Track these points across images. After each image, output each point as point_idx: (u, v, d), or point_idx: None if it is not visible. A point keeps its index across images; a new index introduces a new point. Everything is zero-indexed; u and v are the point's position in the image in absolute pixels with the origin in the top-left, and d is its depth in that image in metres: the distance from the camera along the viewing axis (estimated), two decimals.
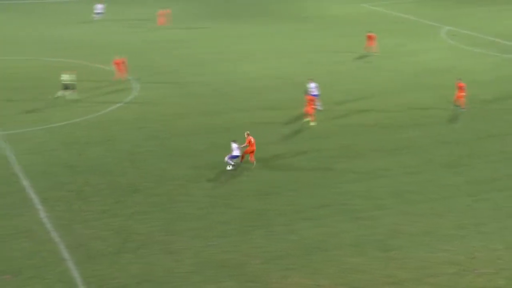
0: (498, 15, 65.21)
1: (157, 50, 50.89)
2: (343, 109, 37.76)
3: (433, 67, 46.83)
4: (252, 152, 29.71)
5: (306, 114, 35.56)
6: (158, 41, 54.02)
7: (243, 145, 29.54)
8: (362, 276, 21.52)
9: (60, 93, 38.05)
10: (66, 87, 38.13)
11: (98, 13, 61.93)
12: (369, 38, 50.06)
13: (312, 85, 37.45)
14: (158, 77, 43.34)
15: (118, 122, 35.37)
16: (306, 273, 21.63)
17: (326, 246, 23.28)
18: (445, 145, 32.69)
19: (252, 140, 29.68)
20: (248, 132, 30.17)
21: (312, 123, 35.16)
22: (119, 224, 24.58)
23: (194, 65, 46.90)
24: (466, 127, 35.26)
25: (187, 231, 24.17)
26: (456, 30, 58.79)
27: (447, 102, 38.72)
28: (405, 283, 21.16)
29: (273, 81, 43.15)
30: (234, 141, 29.47)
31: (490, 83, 39.38)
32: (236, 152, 29.29)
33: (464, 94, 37.28)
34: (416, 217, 25.43)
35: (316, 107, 36.11)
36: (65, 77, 38.17)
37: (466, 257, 22.52)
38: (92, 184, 27.78)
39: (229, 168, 29.20)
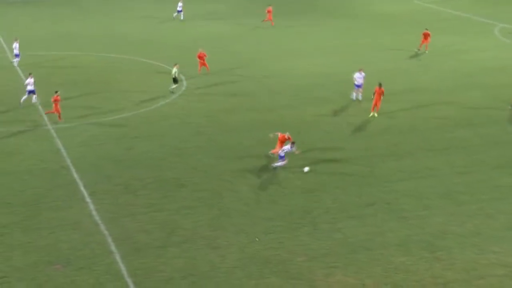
0: None
1: (208, 46, 51.14)
2: (392, 107, 37.24)
3: (487, 66, 45.75)
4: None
5: (374, 107, 35.60)
6: (208, 38, 54.32)
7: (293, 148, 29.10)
8: (407, 276, 21.23)
9: (173, 86, 39.69)
10: (175, 80, 39.60)
11: (179, 11, 61.57)
12: (424, 35, 49.09)
13: (359, 74, 37.81)
14: (207, 73, 43.61)
15: (167, 117, 35.80)
16: (351, 272, 21.48)
17: (371, 245, 23.05)
18: (498, 146, 31.91)
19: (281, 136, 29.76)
20: (277, 133, 30.06)
21: (375, 115, 35.52)
22: (165, 218, 24.88)
23: (244, 62, 47.04)
24: None
25: (232, 226, 24.30)
26: (511, 27, 57.27)
27: (500, 102, 37.80)
28: (453, 284, 20.79)
29: (321, 79, 42.89)
30: (292, 144, 29.03)
31: None
32: (282, 153, 28.93)
33: None
34: (465, 217, 24.93)
35: (357, 97, 37.55)
36: (175, 71, 39.69)
37: None
38: (139, 178, 28.19)
39: (275, 165, 29.11)
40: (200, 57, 43.51)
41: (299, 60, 47.51)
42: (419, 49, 49.12)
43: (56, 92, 34.86)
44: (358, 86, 37.97)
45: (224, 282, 21.06)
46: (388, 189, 27.30)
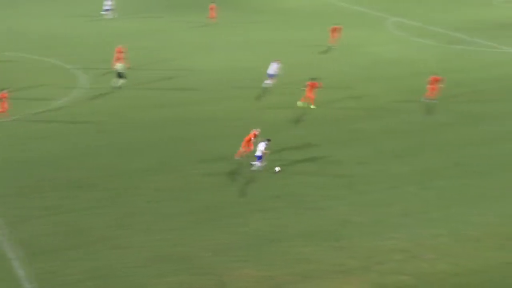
0: (443, 5, 66.52)
1: (114, 43, 50.04)
2: (296, 101, 37.96)
3: (383, 58, 47.30)
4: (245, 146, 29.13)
5: (306, 99, 36.21)
6: (115, 33, 53.17)
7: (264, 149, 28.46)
8: (312, 266, 21.74)
9: (114, 81, 39.32)
10: (119, 75, 39.28)
11: (106, 10, 59.40)
12: (333, 30, 50.12)
13: (274, 64, 39.47)
14: (97, 71, 42.48)
15: (68, 116, 34.77)
16: (257, 264, 21.75)
17: (277, 237, 23.42)
18: (395, 136, 33.20)
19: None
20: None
21: (312, 107, 36.26)
22: (66, 220, 24.23)
23: (149, 57, 46.24)
24: (416, 118, 35.83)
25: (136, 225, 24.00)
26: (403, 21, 59.53)
27: (397, 93, 39.34)
28: (354, 271, 21.49)
29: (230, 73, 42.93)
30: (267, 140, 28.64)
31: (438, 74, 40.04)
32: (259, 153, 28.39)
33: (437, 87, 37.78)
34: (366, 207, 25.81)
35: (266, 84, 38.95)
36: (119, 67, 39.38)
37: (412, 244, 23.04)
38: (38, 180, 27.29)
39: (255, 168, 28.46)
40: (118, 52, 42.65)
41: (207, 55, 47.26)
42: (332, 45, 49.82)
43: (4, 89, 33.34)
44: (271, 75, 39.37)
45: (130, 282, 20.77)
46: (293, 181, 27.80)
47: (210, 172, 28.45)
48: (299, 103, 36.44)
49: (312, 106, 36.47)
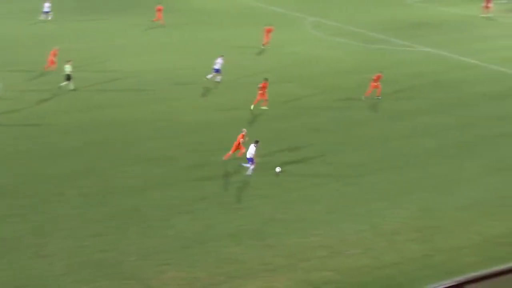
0: (359, 5, 68.34)
1: (30, 45, 48.51)
2: (218, 102, 38.07)
3: (303, 58, 47.97)
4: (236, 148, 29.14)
5: (259, 101, 36.46)
6: (32, 36, 51.52)
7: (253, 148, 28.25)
8: (238, 266, 21.92)
9: (64, 83, 38.27)
10: (68, 77, 38.17)
11: (45, 12, 57.22)
12: (267, 31, 50.41)
13: (219, 60, 40.82)
14: (29, 74, 41.32)
15: None
16: (183, 267, 21.73)
17: (203, 238, 23.48)
18: (320, 133, 33.91)
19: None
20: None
21: (264, 107, 36.69)
22: None
23: (89, 59, 44.86)
24: (335, 116, 36.67)
25: (60, 232, 23.46)
26: (321, 21, 60.68)
27: (321, 92, 40.14)
28: (280, 269, 21.82)
29: (151, 75, 42.46)
30: (256, 142, 28.46)
31: (354, 72, 41.18)
32: (250, 155, 28.17)
33: (378, 84, 38.74)
34: (291, 204, 26.25)
35: (216, 80, 40.44)
36: (68, 68, 38.19)
37: (335, 239, 23.63)
38: None
39: (249, 172, 28.33)
40: (54, 55, 41.40)
41: (127, 57, 46.52)
42: (264, 45, 50.01)
43: None
44: (217, 70, 40.61)
45: None
46: (218, 182, 27.90)
47: (137, 175, 28.19)
48: (263, 107, 36.69)
49: (264, 107, 36.82)
